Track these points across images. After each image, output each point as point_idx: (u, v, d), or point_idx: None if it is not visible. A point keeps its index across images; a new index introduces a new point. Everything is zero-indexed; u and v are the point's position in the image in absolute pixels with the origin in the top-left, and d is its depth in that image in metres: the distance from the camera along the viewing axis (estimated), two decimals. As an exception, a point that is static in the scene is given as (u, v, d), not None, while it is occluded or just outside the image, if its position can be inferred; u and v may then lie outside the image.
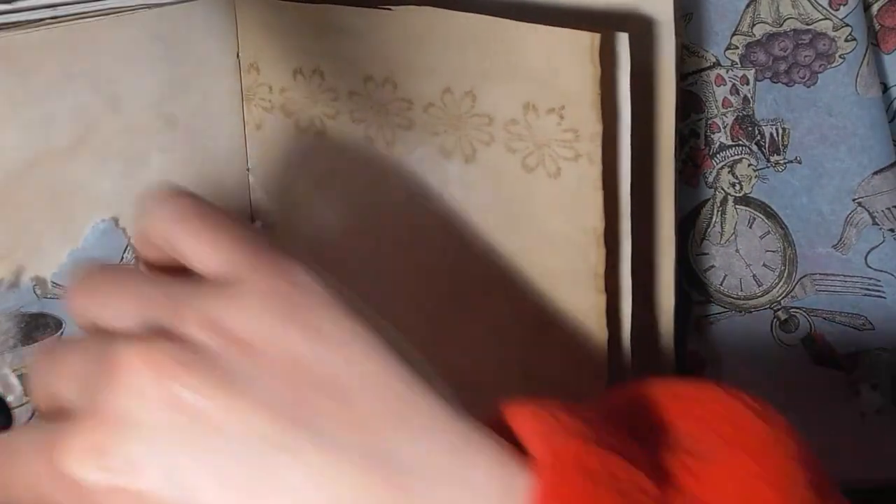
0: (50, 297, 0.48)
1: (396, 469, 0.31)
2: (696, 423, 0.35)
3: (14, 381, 0.48)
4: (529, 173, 0.47)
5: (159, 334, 0.32)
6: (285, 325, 0.32)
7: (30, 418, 0.48)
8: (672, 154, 0.51)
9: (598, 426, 0.33)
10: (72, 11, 0.45)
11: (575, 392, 0.51)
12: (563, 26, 0.44)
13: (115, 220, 0.50)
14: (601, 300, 0.48)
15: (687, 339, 0.63)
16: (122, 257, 0.50)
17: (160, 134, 0.50)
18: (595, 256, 0.47)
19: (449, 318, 0.54)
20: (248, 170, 0.55)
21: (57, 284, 0.48)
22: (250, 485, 0.31)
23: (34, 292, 0.47)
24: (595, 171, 0.45)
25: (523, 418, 0.33)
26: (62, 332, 0.48)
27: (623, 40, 0.45)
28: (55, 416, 0.34)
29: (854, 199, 0.57)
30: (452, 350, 0.54)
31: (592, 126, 0.45)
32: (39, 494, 0.32)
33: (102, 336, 0.33)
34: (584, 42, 0.43)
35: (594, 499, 0.31)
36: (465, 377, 0.54)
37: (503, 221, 0.49)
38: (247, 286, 0.33)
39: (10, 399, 0.47)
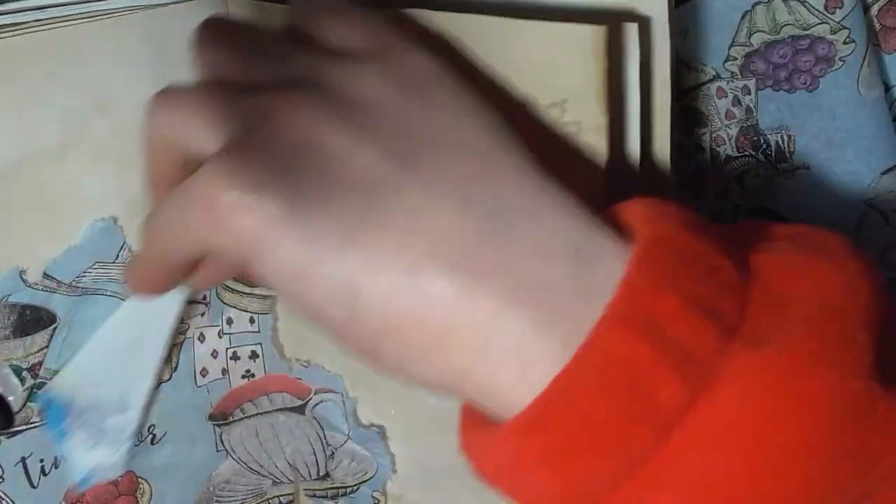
0: (41, 290, 0.49)
1: (480, 212, 0.36)
2: (785, 236, 0.39)
3: (15, 380, 0.49)
4: None
5: (296, 85, 0.38)
6: (407, 95, 0.39)
7: (22, 406, 0.50)
8: (668, 154, 0.50)
9: (697, 220, 0.37)
10: (59, 14, 0.47)
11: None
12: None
13: (114, 219, 0.51)
14: None
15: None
16: (118, 255, 0.51)
17: None
18: None
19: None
20: None
21: (49, 276, 0.49)
22: (358, 216, 0.36)
23: (20, 278, 0.48)
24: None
25: (635, 205, 0.38)
26: (56, 327, 0.50)
27: (632, 31, 0.46)
28: (173, 174, 0.41)
29: (865, 201, 0.56)
30: None
31: (597, 118, 0.45)
32: (183, 234, 0.38)
33: (241, 87, 0.39)
34: (587, 35, 0.44)
35: (680, 278, 0.34)
36: None
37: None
38: (376, 61, 0.40)
39: (10, 399, 0.49)
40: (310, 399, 0.59)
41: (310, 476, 0.61)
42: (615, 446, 0.33)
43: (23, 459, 0.50)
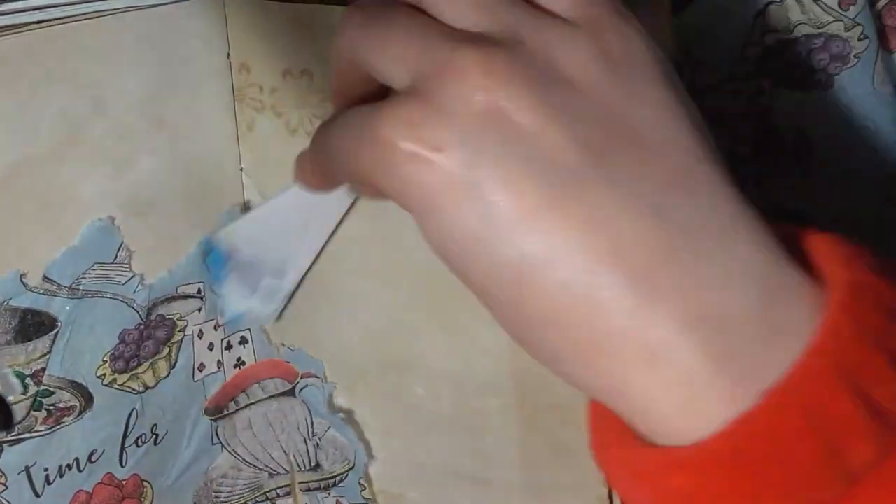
0: (42, 293, 0.48)
1: (672, 224, 0.34)
2: None
3: (14, 380, 0.48)
4: None
5: (497, 44, 0.35)
6: (613, 77, 0.36)
7: (26, 415, 0.49)
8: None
9: (889, 265, 0.35)
10: (58, 15, 0.45)
11: (567, 393, 0.50)
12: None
13: (112, 219, 0.50)
14: None
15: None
16: (116, 255, 0.50)
17: (148, 135, 0.50)
18: None
19: (437, 321, 0.54)
20: (241, 170, 0.55)
21: (49, 279, 0.48)
22: (534, 202, 0.34)
23: (21, 282, 0.47)
24: None
25: (820, 241, 0.36)
26: (57, 332, 0.48)
27: None
28: (357, 88, 0.41)
29: (887, 198, 0.56)
30: (441, 355, 0.54)
31: None
32: (353, 160, 0.38)
33: (439, 29, 0.37)
34: None
35: (885, 334, 0.33)
36: (457, 381, 0.54)
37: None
38: (586, 34, 0.36)
39: (10, 398, 0.48)
40: (297, 382, 0.59)
41: (303, 466, 0.61)
42: (798, 495, 0.32)
43: (26, 468, 0.49)
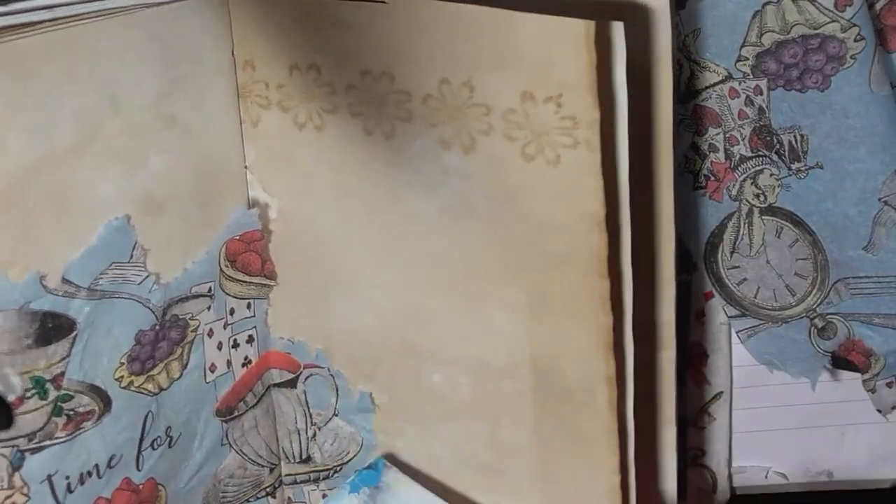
0: (61, 295, 0.47)
1: None
2: None
3: (15, 380, 0.47)
4: (529, 162, 0.47)
5: None
6: None
7: (47, 421, 0.48)
8: (670, 143, 0.51)
9: None
10: (69, 13, 0.45)
11: (581, 378, 0.51)
12: (559, 15, 0.45)
13: (128, 218, 0.49)
14: (604, 285, 0.48)
15: (689, 329, 0.62)
16: (132, 255, 0.49)
17: (159, 134, 0.50)
18: (597, 242, 0.47)
19: (453, 308, 0.54)
20: (245, 167, 0.55)
21: (68, 281, 0.47)
22: None
23: (40, 284, 0.46)
24: (594, 157, 0.46)
25: None
26: (76, 334, 0.48)
27: (618, 29, 0.45)
28: None
29: (880, 199, 0.57)
30: (458, 340, 0.54)
31: (590, 113, 0.45)
32: None
33: None
34: (579, 30, 0.44)
35: None
36: (474, 367, 0.55)
37: (504, 210, 0.49)
38: None
39: (10, 398, 0.47)
40: (300, 373, 0.59)
41: (294, 458, 0.61)
42: None
43: (48, 477, 0.48)
